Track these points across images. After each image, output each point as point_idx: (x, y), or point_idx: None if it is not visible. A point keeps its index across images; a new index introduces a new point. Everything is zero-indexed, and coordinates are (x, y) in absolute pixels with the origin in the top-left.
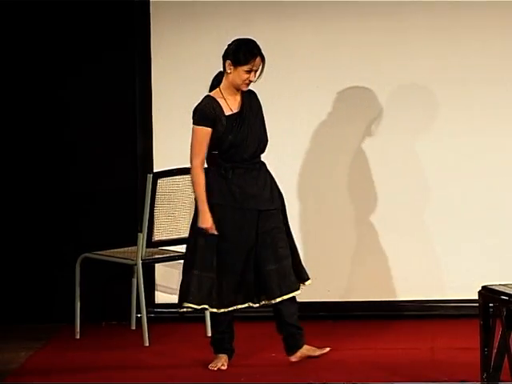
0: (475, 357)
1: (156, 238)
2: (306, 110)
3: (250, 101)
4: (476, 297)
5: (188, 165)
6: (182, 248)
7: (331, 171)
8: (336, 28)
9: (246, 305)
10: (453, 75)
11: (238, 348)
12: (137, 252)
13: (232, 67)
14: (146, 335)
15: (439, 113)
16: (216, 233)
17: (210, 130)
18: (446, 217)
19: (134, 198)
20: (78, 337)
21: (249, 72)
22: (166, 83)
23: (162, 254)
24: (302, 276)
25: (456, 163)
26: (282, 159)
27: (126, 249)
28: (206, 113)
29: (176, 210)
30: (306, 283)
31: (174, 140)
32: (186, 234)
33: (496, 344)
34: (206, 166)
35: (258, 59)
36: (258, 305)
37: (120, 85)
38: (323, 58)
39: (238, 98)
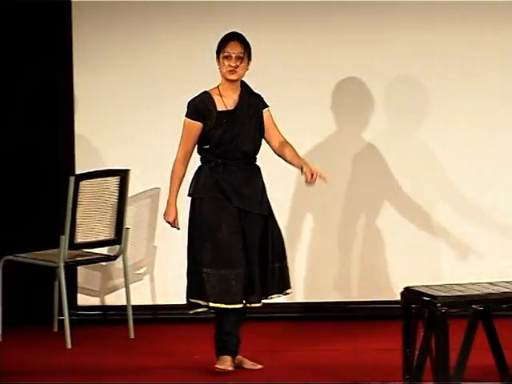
0: (397, 358)
1: (78, 241)
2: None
3: (250, 101)
4: (399, 298)
5: (109, 167)
6: (104, 250)
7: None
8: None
9: (253, 305)
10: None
11: (165, 349)
12: (59, 254)
13: (217, 59)
14: (69, 337)
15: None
16: (179, 228)
17: (199, 124)
18: (369, 218)
19: (57, 201)
20: None
21: (227, 58)
22: (88, 85)
23: (85, 256)
24: (285, 285)
25: (384, 163)
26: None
27: (48, 251)
28: (197, 107)
29: (98, 212)
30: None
31: (97, 142)
32: (108, 236)
33: (418, 345)
34: (199, 162)
35: (235, 43)
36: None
37: (42, 86)
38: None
39: (236, 97)
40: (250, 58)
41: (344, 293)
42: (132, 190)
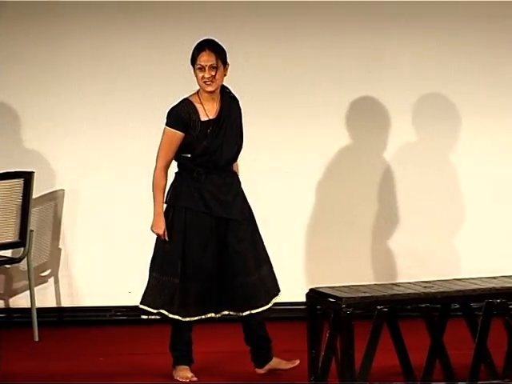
0: (303, 359)
1: None
2: None
3: (230, 108)
4: (304, 299)
5: (13, 169)
6: (8, 252)
7: None
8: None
9: (210, 315)
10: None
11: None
12: None
13: (193, 70)
14: None
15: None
16: (167, 239)
17: (181, 134)
18: (270, 219)
19: None
20: None
21: (202, 70)
22: None
23: None
24: (276, 288)
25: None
26: None
27: None
28: (180, 116)
29: (2, 214)
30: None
31: (0, 144)
32: (12, 239)
33: (324, 346)
34: (177, 169)
35: (207, 54)
36: (219, 315)
37: None
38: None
39: (216, 104)
40: (225, 64)
41: None
42: (36, 192)
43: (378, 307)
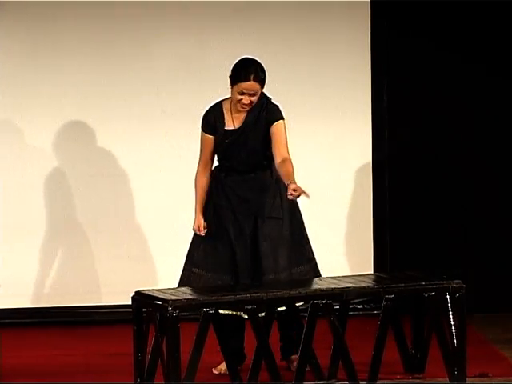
0: (130, 362)
1: None
2: None
3: (259, 116)
4: (130, 302)
5: None
6: None
7: None
8: None
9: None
10: None
11: None
12: None
13: (230, 84)
14: None
15: None
16: (203, 234)
17: (210, 136)
18: (98, 223)
19: None
20: None
21: (241, 94)
22: None
23: None
24: None
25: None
26: None
27: None
28: (207, 120)
29: None
30: None
31: None
32: None
33: (150, 349)
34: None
35: (250, 84)
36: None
37: None
38: None
39: (243, 113)
40: (263, 86)
41: (75, 297)
42: None
43: (204, 309)
